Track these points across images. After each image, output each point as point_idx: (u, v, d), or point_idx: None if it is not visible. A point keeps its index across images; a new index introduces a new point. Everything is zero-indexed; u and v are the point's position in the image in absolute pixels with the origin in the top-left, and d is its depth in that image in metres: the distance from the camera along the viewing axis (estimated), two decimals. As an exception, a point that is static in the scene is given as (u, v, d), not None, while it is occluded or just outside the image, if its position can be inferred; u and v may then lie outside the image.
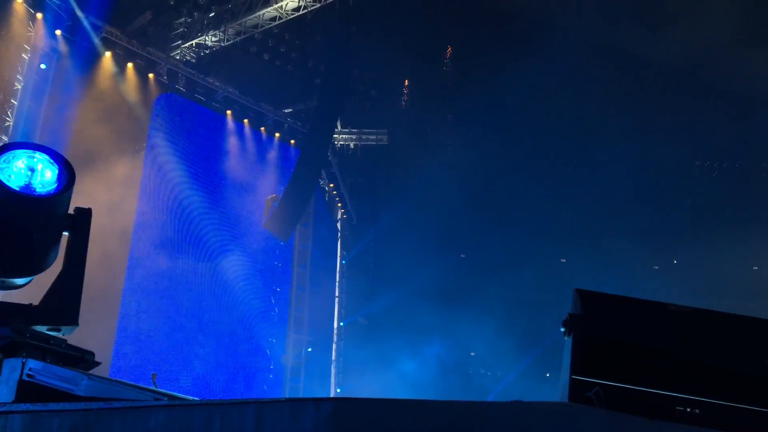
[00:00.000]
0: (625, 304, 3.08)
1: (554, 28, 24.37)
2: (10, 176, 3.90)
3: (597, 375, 2.85)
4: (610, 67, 25.12)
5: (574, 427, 2.51)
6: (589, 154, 26.27)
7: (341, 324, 27.68)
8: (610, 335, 2.97)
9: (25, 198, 3.91)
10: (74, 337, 4.32)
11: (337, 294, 27.92)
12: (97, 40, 19.64)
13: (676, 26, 22.56)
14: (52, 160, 4.04)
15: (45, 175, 3.99)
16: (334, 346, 27.09)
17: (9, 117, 17.48)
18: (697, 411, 2.82)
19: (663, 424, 2.61)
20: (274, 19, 22.52)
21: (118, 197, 18.06)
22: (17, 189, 3.89)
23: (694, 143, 26.25)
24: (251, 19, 22.48)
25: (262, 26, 22.79)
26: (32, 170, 3.97)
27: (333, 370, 26.69)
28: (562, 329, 3.03)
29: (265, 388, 22.59)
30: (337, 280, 28.15)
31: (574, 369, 2.88)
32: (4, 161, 3.92)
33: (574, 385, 2.85)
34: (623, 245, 24.78)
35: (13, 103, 17.72)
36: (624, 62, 25.12)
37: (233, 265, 22.55)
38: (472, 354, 28.06)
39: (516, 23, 25.47)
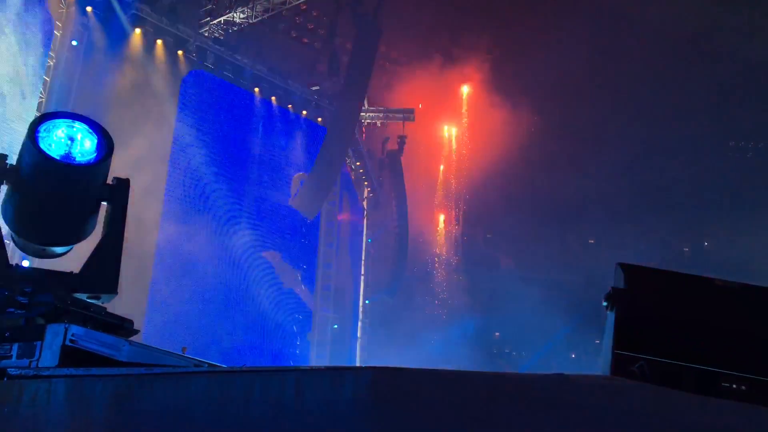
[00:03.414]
0: (669, 278, 3.02)
1: (583, 3, 23.91)
2: (50, 145, 3.94)
3: (640, 350, 2.80)
4: (643, 45, 24.57)
5: (619, 400, 2.47)
6: (621, 134, 25.81)
7: (366, 302, 27.83)
8: (653, 310, 2.92)
9: (65, 167, 3.95)
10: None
11: (362, 272, 28.04)
12: (127, 17, 19.73)
13: (716, 3, 21.95)
14: (91, 130, 4.07)
15: (84, 145, 4.02)
16: (359, 323, 27.27)
17: (42, 93, 17.70)
18: (743, 387, 2.77)
19: (708, 400, 2.56)
20: (302, -5, 22.41)
21: (147, 174, 18.23)
22: (57, 158, 3.93)
23: (729, 123, 25.63)
24: (279, -5, 22.39)
25: (289, 3, 22.68)
26: (72, 139, 4.00)
27: (358, 347, 26.91)
28: (605, 303, 2.98)
29: (291, 363, 22.86)
30: (363, 258, 28.25)
31: (617, 343, 2.83)
32: (44, 130, 3.95)
33: (617, 359, 2.80)
34: (653, 227, 24.44)
35: (46, 80, 17.94)
36: (662, 39, 24.53)
37: (260, 242, 22.73)
38: (497, 334, 28.05)
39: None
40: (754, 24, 22.50)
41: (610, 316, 2.95)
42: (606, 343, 2.94)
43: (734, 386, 2.76)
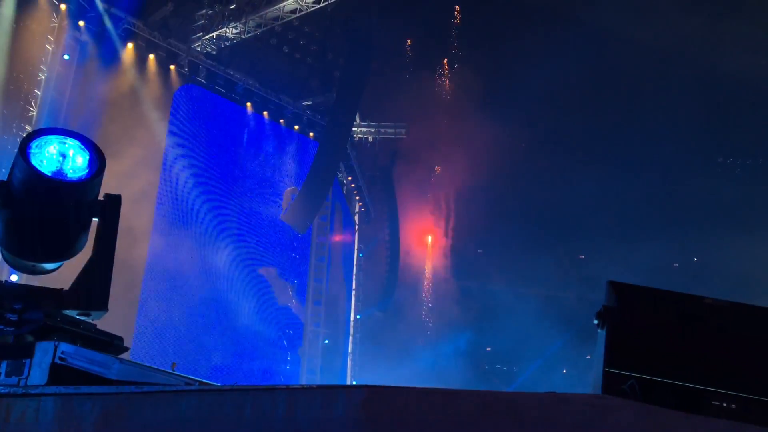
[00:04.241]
0: (660, 296, 3.03)
1: (575, 20, 24.21)
2: (42, 161, 3.92)
3: (631, 368, 2.81)
4: (634, 62, 24.83)
5: (610, 420, 2.47)
6: (611, 151, 26.02)
7: (357, 317, 27.75)
8: (644, 328, 2.93)
9: (57, 183, 3.93)
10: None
11: (353, 287, 27.99)
12: (119, 32, 19.77)
13: (704, 20, 22.27)
14: (83, 146, 4.05)
15: (76, 161, 4.01)
16: (350, 338, 27.18)
17: (33, 107, 17.66)
18: (733, 406, 2.78)
19: (698, 419, 2.57)
20: (294, 11, 22.52)
21: (137, 187, 18.19)
22: (49, 174, 3.91)
23: (718, 139, 25.88)
24: (272, 11, 22.50)
25: (282, 18, 22.80)
26: (64, 156, 3.99)
27: (349, 363, 26.79)
28: (596, 321, 2.99)
29: (282, 378, 22.71)
30: (354, 273, 28.22)
31: (608, 362, 2.84)
32: (36, 147, 3.94)
33: (607, 377, 2.81)
34: (643, 242, 24.55)
35: (37, 93, 17.90)
36: (648, 57, 24.82)
37: (251, 257, 22.65)
38: (488, 349, 28.01)
39: (541, 16, 25.31)
40: (743, 41, 22.82)
41: (601, 334, 2.96)
42: (597, 361, 2.94)
43: (724, 404, 2.77)
